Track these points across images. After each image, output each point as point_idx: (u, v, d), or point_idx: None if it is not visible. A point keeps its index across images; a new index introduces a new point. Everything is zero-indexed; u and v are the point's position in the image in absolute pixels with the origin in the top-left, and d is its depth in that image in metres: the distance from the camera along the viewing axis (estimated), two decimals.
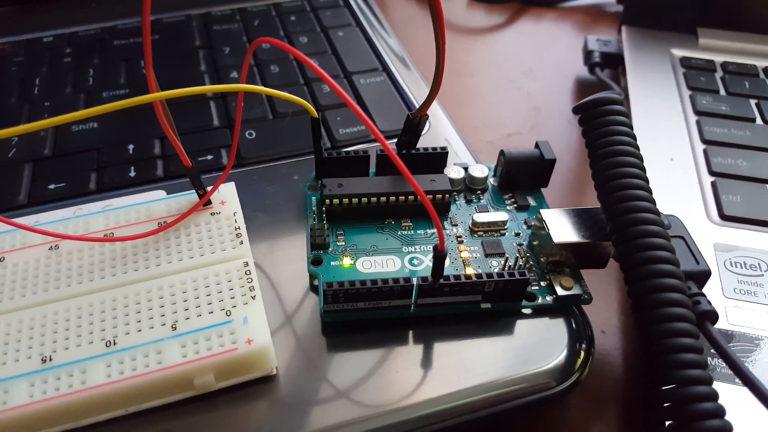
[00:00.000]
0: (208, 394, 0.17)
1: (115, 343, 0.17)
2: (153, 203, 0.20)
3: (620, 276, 0.18)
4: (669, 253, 0.17)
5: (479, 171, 0.24)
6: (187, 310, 0.17)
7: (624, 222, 0.18)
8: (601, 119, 0.20)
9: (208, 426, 0.17)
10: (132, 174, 0.24)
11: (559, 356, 0.19)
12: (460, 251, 0.21)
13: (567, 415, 0.21)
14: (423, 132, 0.27)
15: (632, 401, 0.22)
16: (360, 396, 0.18)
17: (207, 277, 0.18)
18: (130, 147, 0.25)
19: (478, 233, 0.22)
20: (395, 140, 0.23)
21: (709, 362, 0.19)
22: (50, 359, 0.16)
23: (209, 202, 0.20)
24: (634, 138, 0.20)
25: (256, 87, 0.17)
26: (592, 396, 0.22)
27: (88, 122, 0.27)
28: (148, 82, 0.16)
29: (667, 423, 0.16)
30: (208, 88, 0.16)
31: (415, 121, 0.22)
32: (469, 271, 0.21)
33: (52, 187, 0.24)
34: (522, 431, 0.21)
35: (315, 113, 0.20)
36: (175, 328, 0.17)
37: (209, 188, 0.20)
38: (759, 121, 0.30)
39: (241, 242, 0.19)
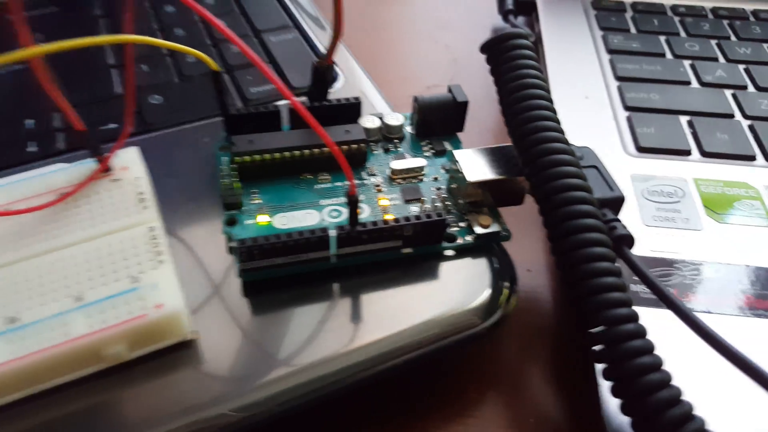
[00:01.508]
0: (122, 365, 0.17)
1: (19, 319, 0.16)
2: (51, 174, 0.19)
3: None
4: (580, 180, 0.17)
5: (394, 119, 0.23)
6: (91, 280, 0.17)
7: (532, 154, 0.18)
8: (505, 55, 0.20)
9: (126, 398, 0.16)
10: (32, 149, 0.23)
11: (483, 294, 0.19)
12: (379, 200, 0.21)
13: (499, 354, 0.22)
14: (337, 86, 0.27)
15: (562, 335, 0.22)
16: (287, 352, 0.18)
17: (111, 245, 0.17)
18: (29, 122, 0.24)
19: (397, 181, 0.22)
20: None
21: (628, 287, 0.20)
22: None
23: (110, 169, 0.19)
24: (541, 71, 0.20)
25: (141, 37, 0.16)
26: (522, 333, 0.22)
27: None
28: (20, 36, 0.15)
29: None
30: (89, 40, 0.15)
31: (322, 68, 0.21)
32: (389, 217, 0.20)
33: None
34: (456, 373, 0.21)
35: (215, 66, 0.19)
36: (81, 299, 0.16)
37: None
38: (669, 55, 0.31)
39: (146, 207, 0.18)
